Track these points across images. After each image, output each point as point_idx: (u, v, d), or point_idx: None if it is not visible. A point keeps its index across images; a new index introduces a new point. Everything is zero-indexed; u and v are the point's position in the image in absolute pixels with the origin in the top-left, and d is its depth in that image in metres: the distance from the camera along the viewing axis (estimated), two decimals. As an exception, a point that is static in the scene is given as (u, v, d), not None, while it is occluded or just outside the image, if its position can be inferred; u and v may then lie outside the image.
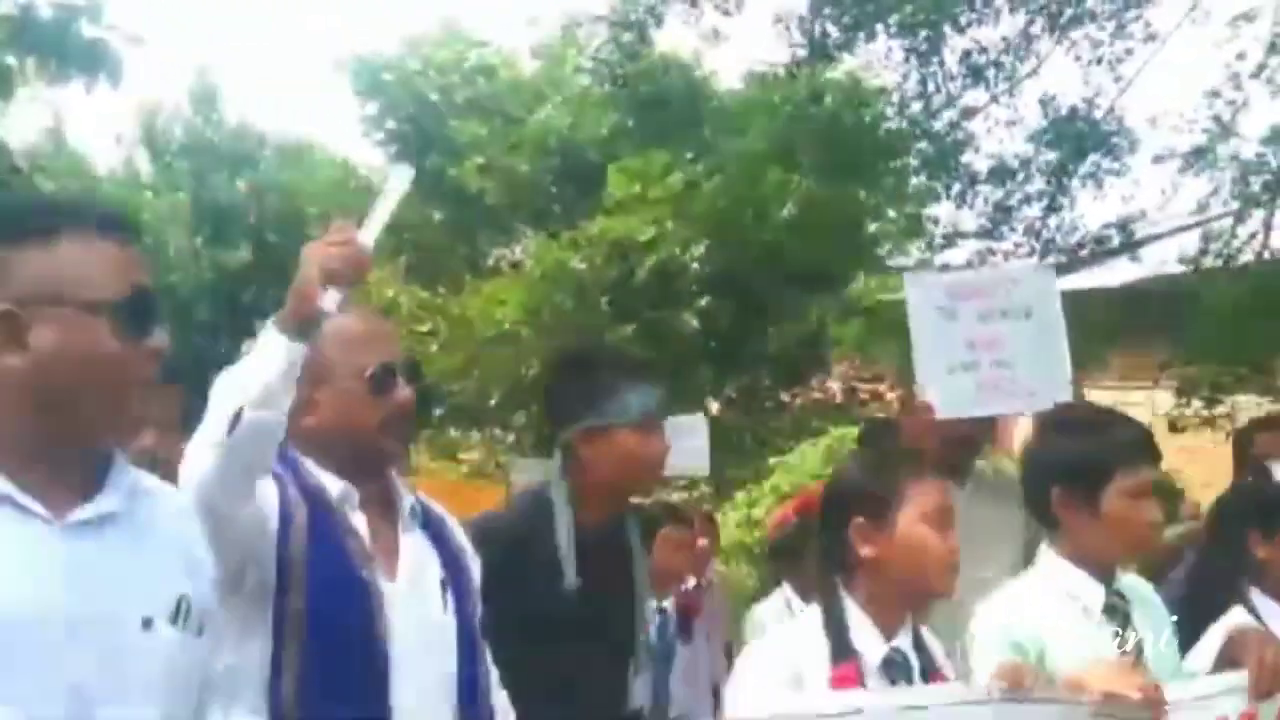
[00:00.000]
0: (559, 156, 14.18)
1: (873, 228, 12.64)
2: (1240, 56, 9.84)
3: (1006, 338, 3.81)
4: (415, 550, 2.56)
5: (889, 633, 2.56)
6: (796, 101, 10.22)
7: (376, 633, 2.37)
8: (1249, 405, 9.53)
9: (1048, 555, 2.92)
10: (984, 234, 11.13)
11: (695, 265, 10.42)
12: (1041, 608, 2.81)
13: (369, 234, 2.24)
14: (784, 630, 3.57)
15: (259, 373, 2.19)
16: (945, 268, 10.97)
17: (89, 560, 1.78)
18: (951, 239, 11.29)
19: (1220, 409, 10.34)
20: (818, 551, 2.74)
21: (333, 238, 2.23)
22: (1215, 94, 10.03)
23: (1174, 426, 10.22)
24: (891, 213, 12.48)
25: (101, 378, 1.80)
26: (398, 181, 2.39)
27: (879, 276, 11.43)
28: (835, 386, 14.08)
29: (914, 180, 11.15)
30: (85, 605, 1.74)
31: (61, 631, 1.72)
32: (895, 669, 2.53)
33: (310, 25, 47.68)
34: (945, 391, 3.77)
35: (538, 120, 14.17)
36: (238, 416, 2.15)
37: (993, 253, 11.08)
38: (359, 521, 2.48)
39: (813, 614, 2.61)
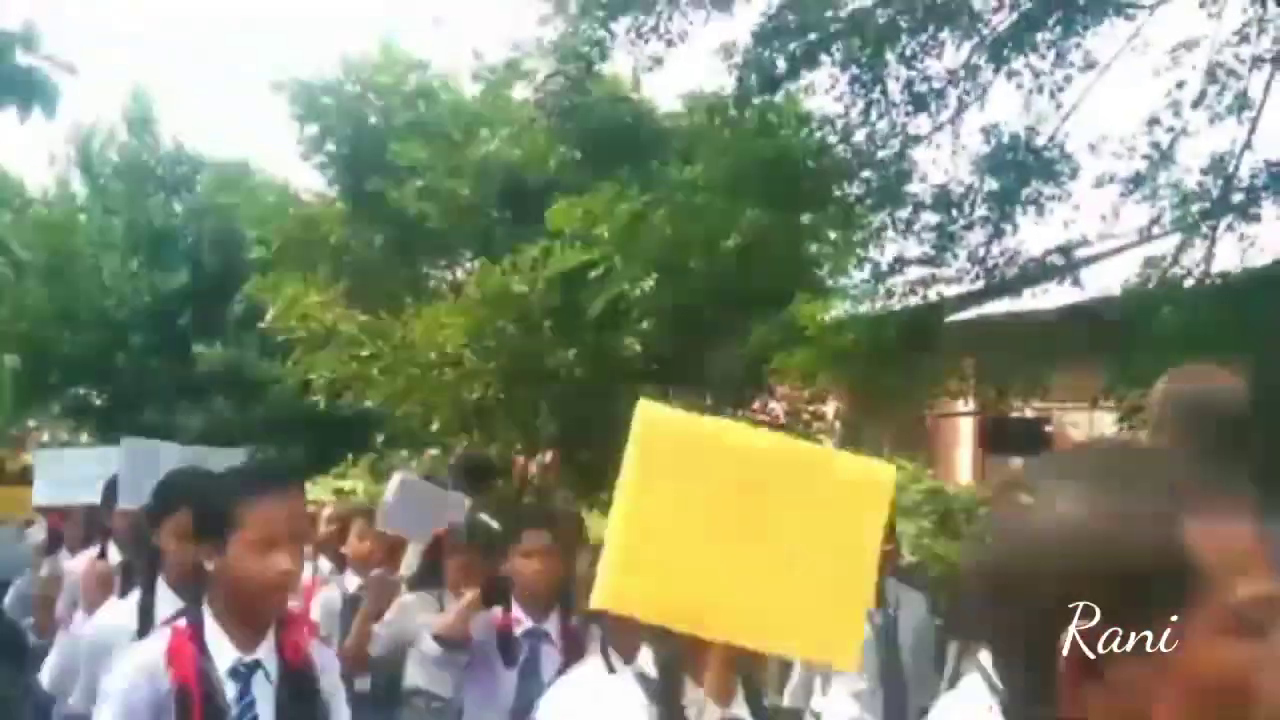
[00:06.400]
0: (501, 180, 14.11)
1: (813, 249, 12.67)
2: (1180, 85, 9.96)
3: None
4: None
5: None
6: (742, 132, 10.24)
7: None
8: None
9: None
10: (928, 261, 11.16)
11: (643, 298, 10.37)
12: None
13: None
14: None
15: None
16: (889, 293, 11.03)
17: None
18: (895, 266, 11.30)
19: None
20: None
21: None
22: (1155, 121, 10.13)
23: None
24: (832, 234, 12.53)
25: None
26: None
27: (820, 300, 11.44)
28: (778, 407, 14.09)
29: (858, 208, 11.18)
30: None
31: None
32: None
33: (248, 47, 47.43)
34: None
35: (480, 145, 14.10)
36: None
37: (936, 279, 11.15)
38: None
39: None
